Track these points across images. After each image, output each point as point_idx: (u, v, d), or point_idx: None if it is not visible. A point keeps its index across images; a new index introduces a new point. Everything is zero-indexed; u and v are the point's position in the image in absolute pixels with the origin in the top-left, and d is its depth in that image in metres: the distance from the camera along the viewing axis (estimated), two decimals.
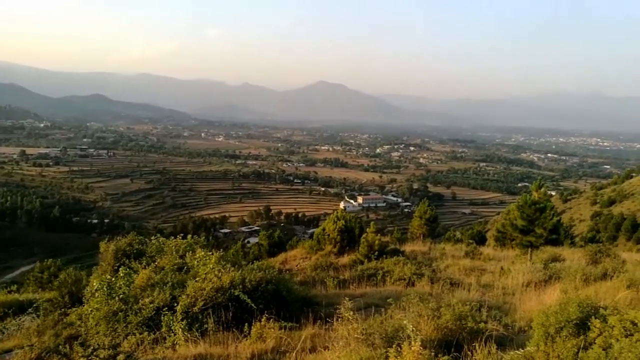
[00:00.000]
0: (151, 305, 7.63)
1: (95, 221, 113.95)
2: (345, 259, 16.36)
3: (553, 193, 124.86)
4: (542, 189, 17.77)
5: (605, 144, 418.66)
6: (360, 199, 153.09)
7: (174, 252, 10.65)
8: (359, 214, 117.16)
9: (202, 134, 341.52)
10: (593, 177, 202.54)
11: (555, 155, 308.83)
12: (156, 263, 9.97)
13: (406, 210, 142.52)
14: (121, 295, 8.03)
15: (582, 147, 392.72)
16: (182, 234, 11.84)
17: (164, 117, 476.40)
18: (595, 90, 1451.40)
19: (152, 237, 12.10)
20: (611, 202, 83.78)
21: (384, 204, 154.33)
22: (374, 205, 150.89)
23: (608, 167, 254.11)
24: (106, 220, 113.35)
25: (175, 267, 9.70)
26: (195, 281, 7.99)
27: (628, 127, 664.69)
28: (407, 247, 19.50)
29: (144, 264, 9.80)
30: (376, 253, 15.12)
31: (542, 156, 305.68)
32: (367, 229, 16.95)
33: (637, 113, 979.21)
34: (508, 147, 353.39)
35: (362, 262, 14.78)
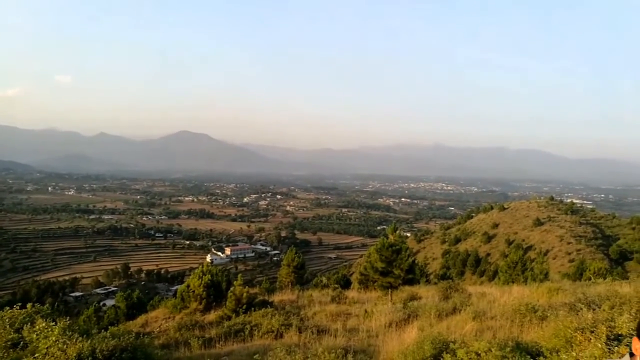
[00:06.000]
0: None
1: None
2: (212, 316, 15.65)
3: (408, 234, 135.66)
4: (398, 232, 19.11)
5: (449, 188, 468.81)
6: (228, 251, 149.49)
7: (8, 326, 9.22)
8: (227, 266, 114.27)
9: (50, 188, 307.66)
10: (441, 218, 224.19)
11: (408, 200, 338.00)
12: None
13: (275, 258, 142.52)
14: None
15: (430, 191, 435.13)
16: (21, 303, 10.38)
17: (2, 170, 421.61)
18: (437, 141, 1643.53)
19: None
20: (457, 240, 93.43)
21: (253, 254, 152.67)
22: (242, 255, 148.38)
23: (453, 208, 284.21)
24: None
25: (9, 343, 8.40)
26: (34, 358, 6.96)
27: (466, 173, 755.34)
28: (276, 297, 19.39)
29: None
30: (244, 306, 14.75)
31: (397, 200, 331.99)
32: (235, 282, 16.52)
33: (472, 161, 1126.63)
34: (366, 193, 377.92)
35: (229, 318, 14.27)
